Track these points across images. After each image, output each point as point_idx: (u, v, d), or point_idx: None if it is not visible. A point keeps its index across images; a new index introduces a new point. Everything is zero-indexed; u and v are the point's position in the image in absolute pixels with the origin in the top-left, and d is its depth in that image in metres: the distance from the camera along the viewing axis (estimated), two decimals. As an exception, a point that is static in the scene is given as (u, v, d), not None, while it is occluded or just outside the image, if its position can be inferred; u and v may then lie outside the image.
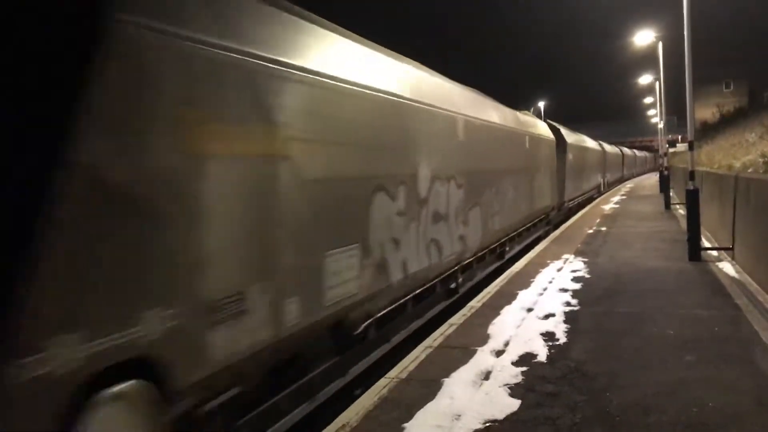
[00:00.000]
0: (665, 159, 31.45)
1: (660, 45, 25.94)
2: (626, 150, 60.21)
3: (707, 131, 36.30)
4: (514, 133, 13.66)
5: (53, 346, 2.76)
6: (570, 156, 21.68)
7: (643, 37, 25.19)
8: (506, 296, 8.68)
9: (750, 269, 9.43)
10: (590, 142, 30.92)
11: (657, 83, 34.78)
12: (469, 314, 7.76)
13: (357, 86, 5.93)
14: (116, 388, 3.08)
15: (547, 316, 7.45)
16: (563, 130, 21.90)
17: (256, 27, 4.57)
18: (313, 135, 5.07)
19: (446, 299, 9.11)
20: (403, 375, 5.57)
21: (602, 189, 35.03)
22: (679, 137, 55.57)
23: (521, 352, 6.10)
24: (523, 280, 9.81)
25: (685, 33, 12.25)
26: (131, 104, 3.27)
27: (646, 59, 35.83)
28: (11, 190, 2.86)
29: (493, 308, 7.99)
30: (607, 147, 41.27)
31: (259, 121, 4.38)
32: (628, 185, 45.45)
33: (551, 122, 22.14)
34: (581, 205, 25.57)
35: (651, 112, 63.28)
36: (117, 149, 3.17)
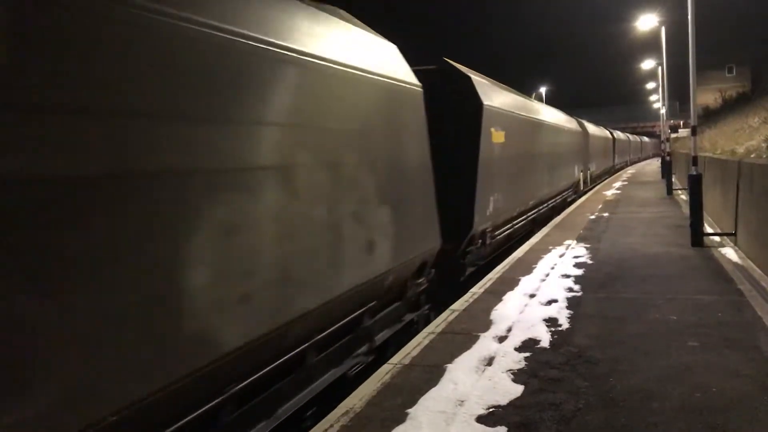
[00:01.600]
0: (667, 144, 31.35)
1: (663, 30, 25.78)
2: (619, 134, 50.56)
3: (710, 116, 36.21)
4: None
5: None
6: (495, 136, 10.48)
7: (646, 22, 25.05)
8: (508, 282, 8.68)
9: (753, 255, 9.41)
10: (552, 115, 18.97)
11: (659, 68, 34.62)
12: (471, 300, 7.76)
13: None
14: None
15: (549, 302, 7.45)
16: (477, 80, 10.16)
17: None
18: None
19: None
20: (406, 361, 5.58)
21: (582, 186, 25.31)
22: (681, 122, 55.46)
23: (524, 337, 6.10)
24: (525, 266, 9.80)
25: (689, 18, 12.15)
26: None
27: (649, 44, 35.73)
28: None
29: (495, 294, 7.99)
30: (592, 128, 31.06)
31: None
32: (629, 171, 45.33)
33: (452, 62, 10.21)
34: (538, 223, 15.16)
35: (653, 97, 63.11)
36: None
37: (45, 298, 2.61)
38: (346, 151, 5.32)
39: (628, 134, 62.30)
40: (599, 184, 31.05)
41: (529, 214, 14.13)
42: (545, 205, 16.55)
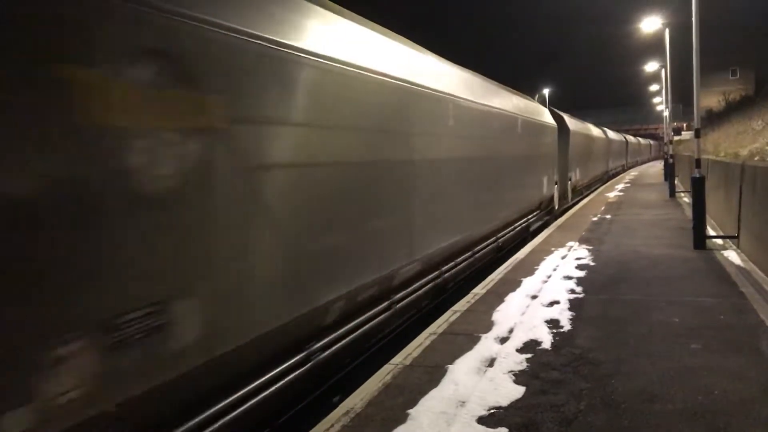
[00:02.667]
0: (670, 147, 31.31)
1: (667, 32, 25.76)
2: (625, 135, 45.88)
3: (713, 119, 36.17)
4: None
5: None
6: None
7: (650, 24, 25.03)
8: (510, 283, 8.66)
9: (756, 257, 9.38)
10: (491, 94, 11.17)
11: (663, 70, 34.60)
12: (473, 301, 7.74)
13: None
14: None
15: (551, 304, 7.43)
16: None
17: None
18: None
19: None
20: (407, 361, 5.57)
21: (558, 204, 18.91)
22: (685, 125, 55.38)
23: (526, 339, 6.09)
24: (528, 268, 9.79)
25: (693, 20, 12.13)
26: None
27: (653, 46, 35.69)
28: None
29: (497, 295, 7.97)
30: (575, 124, 23.45)
31: None
32: (632, 173, 45.25)
33: None
34: (467, 276, 9.70)
35: (656, 99, 63.01)
36: None
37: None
38: None
39: (626, 135, 57.06)
40: (587, 197, 24.26)
41: (419, 285, 7.56)
42: (480, 247, 10.13)
